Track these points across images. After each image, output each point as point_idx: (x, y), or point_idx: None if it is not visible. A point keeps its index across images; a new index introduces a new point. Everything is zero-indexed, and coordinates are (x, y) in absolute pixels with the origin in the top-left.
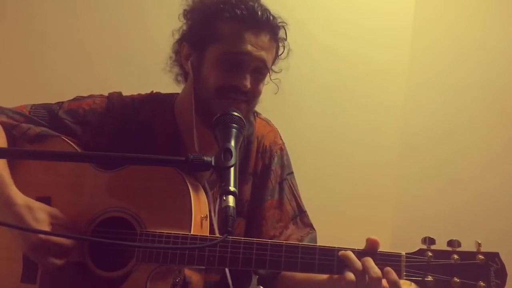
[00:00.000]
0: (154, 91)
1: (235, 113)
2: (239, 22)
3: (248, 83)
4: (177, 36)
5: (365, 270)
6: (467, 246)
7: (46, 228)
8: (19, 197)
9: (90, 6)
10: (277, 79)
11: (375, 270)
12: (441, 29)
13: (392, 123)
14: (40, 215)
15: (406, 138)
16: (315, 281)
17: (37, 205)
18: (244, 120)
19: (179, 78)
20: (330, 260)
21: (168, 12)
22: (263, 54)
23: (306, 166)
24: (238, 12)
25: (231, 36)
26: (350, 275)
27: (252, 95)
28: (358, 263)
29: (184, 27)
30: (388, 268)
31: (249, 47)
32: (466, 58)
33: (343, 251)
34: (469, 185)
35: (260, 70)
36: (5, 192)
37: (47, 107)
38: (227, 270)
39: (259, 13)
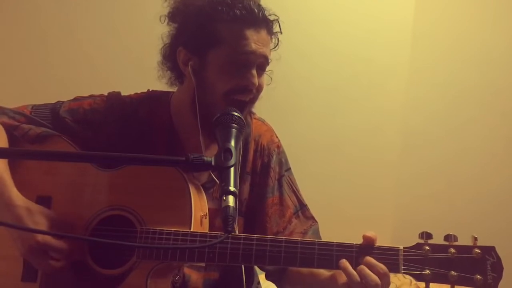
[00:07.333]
0: (150, 89)
1: (235, 113)
2: (239, 22)
3: (256, 81)
4: (167, 41)
5: (362, 278)
6: (465, 243)
7: None
8: (19, 199)
9: (91, 7)
10: (270, 70)
11: (372, 277)
12: (441, 29)
13: (392, 123)
14: (39, 219)
15: (406, 138)
16: (320, 278)
17: (36, 208)
18: (244, 120)
19: (173, 81)
20: (329, 255)
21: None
22: (265, 50)
23: (307, 166)
24: (238, 12)
25: (234, 37)
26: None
27: (257, 91)
28: (356, 277)
29: (174, 31)
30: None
31: (253, 46)
32: (466, 58)
33: (343, 261)
34: (469, 184)
35: (263, 66)
36: (6, 194)
37: (48, 107)
38: (242, 267)
39: (256, 10)
